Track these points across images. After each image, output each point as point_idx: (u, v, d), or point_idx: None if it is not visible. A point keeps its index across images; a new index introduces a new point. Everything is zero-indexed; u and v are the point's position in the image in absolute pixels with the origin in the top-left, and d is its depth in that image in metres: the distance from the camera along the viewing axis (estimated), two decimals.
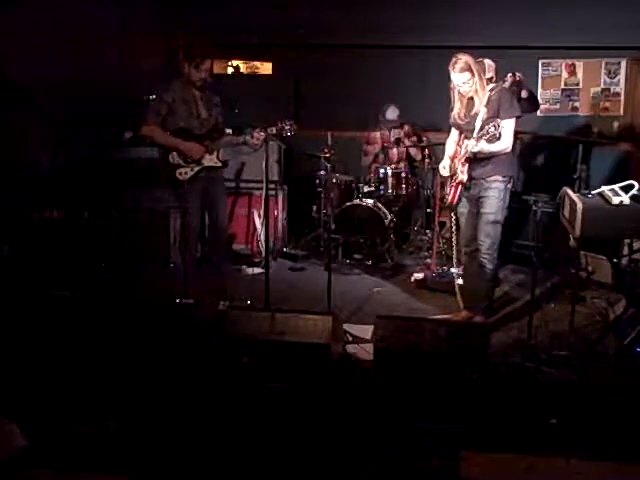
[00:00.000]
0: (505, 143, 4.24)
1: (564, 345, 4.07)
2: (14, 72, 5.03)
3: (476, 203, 4.43)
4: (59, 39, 5.35)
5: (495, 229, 4.39)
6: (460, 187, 4.43)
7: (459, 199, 4.47)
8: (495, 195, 4.34)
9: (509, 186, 4.39)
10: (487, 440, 3.12)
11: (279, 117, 4.55)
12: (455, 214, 4.85)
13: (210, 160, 4.74)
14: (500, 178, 4.33)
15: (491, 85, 4.32)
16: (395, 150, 6.52)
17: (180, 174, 4.70)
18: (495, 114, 4.22)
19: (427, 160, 6.31)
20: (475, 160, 4.32)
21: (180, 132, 4.69)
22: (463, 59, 4.20)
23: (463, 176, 4.37)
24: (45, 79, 5.14)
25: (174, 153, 4.68)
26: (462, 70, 4.21)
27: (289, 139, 5.28)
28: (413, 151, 6.60)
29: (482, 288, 4.53)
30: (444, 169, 4.55)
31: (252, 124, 4.64)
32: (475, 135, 4.20)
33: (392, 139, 6.51)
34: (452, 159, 4.52)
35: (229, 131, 5.02)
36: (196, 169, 4.71)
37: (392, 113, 6.52)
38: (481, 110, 4.24)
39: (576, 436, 3.17)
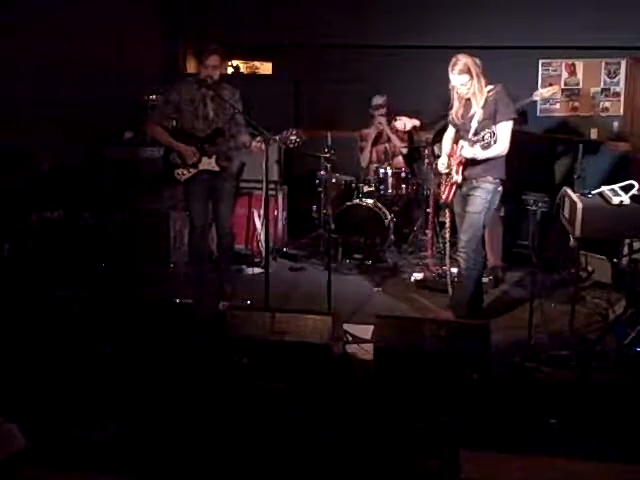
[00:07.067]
0: (501, 147, 4.22)
1: (564, 345, 4.07)
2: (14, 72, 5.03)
3: (465, 202, 4.44)
4: (59, 38, 5.35)
5: (474, 228, 4.35)
6: (455, 187, 4.45)
7: (453, 198, 4.49)
8: (482, 195, 4.32)
9: (499, 189, 4.36)
10: (487, 440, 3.12)
11: (280, 120, 4.46)
12: (452, 214, 4.85)
13: (208, 164, 4.70)
14: (490, 179, 4.31)
15: (489, 87, 4.30)
16: (383, 147, 6.51)
17: (178, 174, 4.71)
18: (491, 116, 4.21)
19: (427, 160, 6.30)
20: (469, 161, 4.32)
21: (180, 133, 4.69)
22: (462, 61, 4.18)
23: (458, 177, 4.38)
24: (45, 79, 5.14)
25: (175, 153, 4.69)
26: (461, 72, 4.19)
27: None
28: (398, 142, 6.46)
29: (463, 294, 4.51)
30: (442, 165, 4.55)
31: (254, 130, 4.58)
32: (470, 138, 4.20)
33: (379, 123, 6.41)
34: (449, 156, 4.53)
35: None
36: (193, 172, 4.70)
37: (378, 99, 6.41)
38: (477, 112, 4.24)
39: (576, 436, 3.17)
